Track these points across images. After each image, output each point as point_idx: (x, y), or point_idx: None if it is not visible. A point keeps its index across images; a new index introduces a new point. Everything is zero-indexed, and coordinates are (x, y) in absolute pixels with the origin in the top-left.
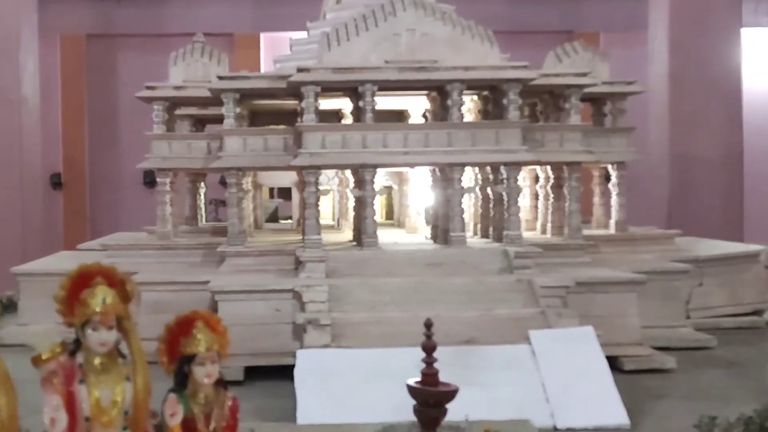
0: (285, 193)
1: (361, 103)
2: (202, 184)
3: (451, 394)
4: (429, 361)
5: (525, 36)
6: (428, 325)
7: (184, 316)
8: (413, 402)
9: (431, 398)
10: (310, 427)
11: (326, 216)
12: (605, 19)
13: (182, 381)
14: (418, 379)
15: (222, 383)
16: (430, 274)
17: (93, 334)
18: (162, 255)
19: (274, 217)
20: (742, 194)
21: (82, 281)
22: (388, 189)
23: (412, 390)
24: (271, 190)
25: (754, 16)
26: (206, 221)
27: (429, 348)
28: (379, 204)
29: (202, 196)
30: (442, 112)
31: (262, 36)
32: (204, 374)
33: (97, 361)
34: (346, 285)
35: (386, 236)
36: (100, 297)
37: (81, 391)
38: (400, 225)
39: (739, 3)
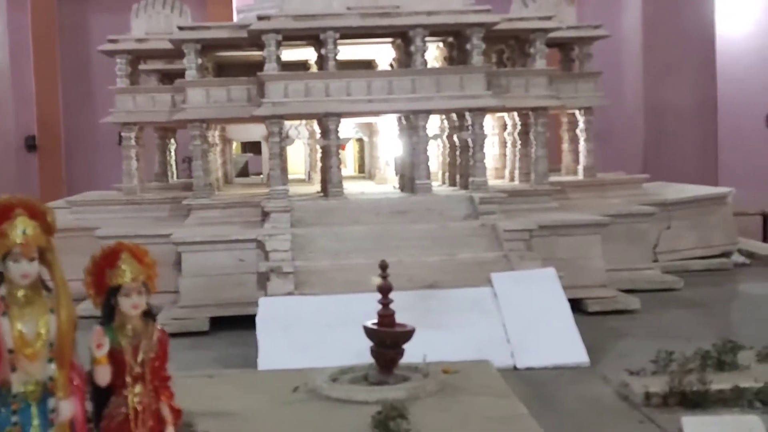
0: (255, 147)
1: (323, 51)
2: (173, 140)
3: (407, 334)
4: (385, 302)
5: None
6: (383, 266)
7: (109, 248)
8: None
9: (387, 339)
10: (270, 372)
11: (297, 171)
12: None
13: (109, 314)
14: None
15: (150, 315)
16: (394, 222)
17: (14, 266)
18: (128, 210)
19: (244, 172)
20: (716, 142)
21: (2, 214)
22: (360, 142)
23: (368, 331)
24: (243, 145)
25: None
26: (177, 179)
27: (384, 289)
28: (351, 157)
29: (173, 153)
30: (406, 59)
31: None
32: (130, 305)
33: (20, 293)
34: (309, 233)
35: (355, 187)
36: (20, 228)
37: (3, 323)
38: (370, 177)
39: None
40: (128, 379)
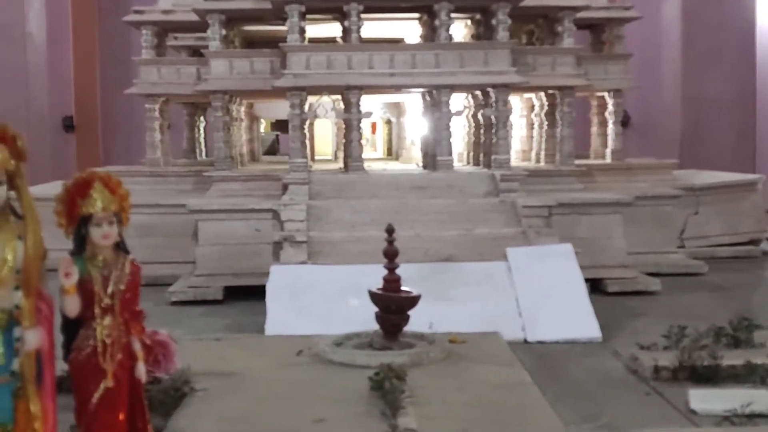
0: (284, 126)
1: (347, 24)
2: (202, 118)
3: (412, 300)
4: (390, 267)
5: None
6: (390, 231)
7: (82, 177)
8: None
9: (392, 304)
10: (275, 337)
11: (325, 152)
12: None
13: (81, 244)
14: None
15: (122, 247)
16: (413, 197)
17: None
18: (153, 182)
19: (272, 150)
20: (755, 134)
21: None
22: (389, 124)
23: (373, 296)
24: (273, 125)
25: None
26: (206, 156)
27: (390, 254)
28: (381, 140)
29: (202, 131)
30: (431, 34)
31: None
32: (101, 235)
33: None
34: (326, 205)
35: (379, 165)
36: None
37: None
38: (397, 157)
39: None
40: (97, 311)
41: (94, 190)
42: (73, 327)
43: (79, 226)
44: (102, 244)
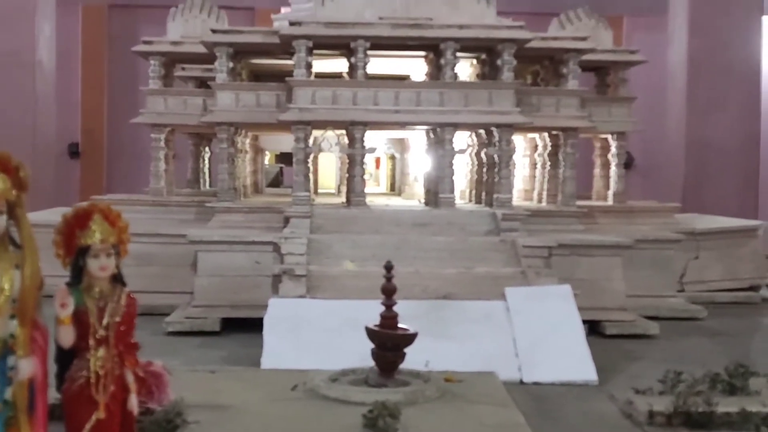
0: (289, 158)
1: (353, 60)
2: (207, 149)
3: (408, 337)
4: (388, 303)
5: (551, 17)
6: (388, 267)
7: (81, 208)
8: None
9: (389, 341)
10: (271, 370)
11: (328, 185)
12: (629, 3)
13: (78, 274)
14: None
15: (119, 279)
16: (414, 233)
17: None
18: (155, 212)
19: (276, 183)
20: (758, 181)
21: None
22: (392, 159)
23: (370, 332)
24: (278, 157)
25: None
26: (210, 186)
27: (388, 291)
28: (384, 175)
29: (206, 161)
30: (436, 72)
31: (283, 10)
32: (98, 266)
33: None
34: (327, 239)
35: (381, 201)
36: None
37: None
38: (400, 193)
39: None
40: (92, 342)
41: (93, 221)
42: (67, 357)
43: (77, 257)
44: (99, 275)
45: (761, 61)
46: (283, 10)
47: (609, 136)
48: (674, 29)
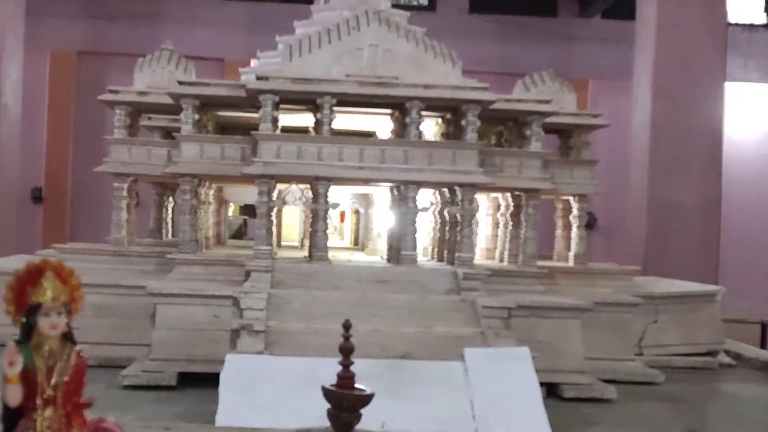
0: (253, 210)
1: (319, 116)
2: (170, 198)
3: (364, 398)
4: (345, 363)
5: (516, 78)
6: (346, 326)
7: (34, 265)
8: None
9: (345, 401)
10: (225, 429)
11: (292, 238)
12: (594, 66)
13: (28, 332)
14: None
15: (69, 337)
16: (375, 290)
17: None
18: (116, 261)
19: (239, 234)
20: (719, 243)
21: None
22: (357, 213)
23: (326, 392)
24: (241, 208)
25: (743, 71)
26: (172, 236)
27: (346, 350)
28: (348, 229)
29: (169, 211)
30: (402, 130)
31: (252, 62)
32: (48, 325)
33: None
34: (287, 294)
35: (344, 256)
36: None
37: None
38: (363, 248)
39: (723, 56)
40: (39, 402)
41: (45, 279)
42: (13, 417)
43: (27, 314)
44: (49, 334)
45: (723, 126)
46: (253, 62)
47: (571, 198)
48: (638, 93)
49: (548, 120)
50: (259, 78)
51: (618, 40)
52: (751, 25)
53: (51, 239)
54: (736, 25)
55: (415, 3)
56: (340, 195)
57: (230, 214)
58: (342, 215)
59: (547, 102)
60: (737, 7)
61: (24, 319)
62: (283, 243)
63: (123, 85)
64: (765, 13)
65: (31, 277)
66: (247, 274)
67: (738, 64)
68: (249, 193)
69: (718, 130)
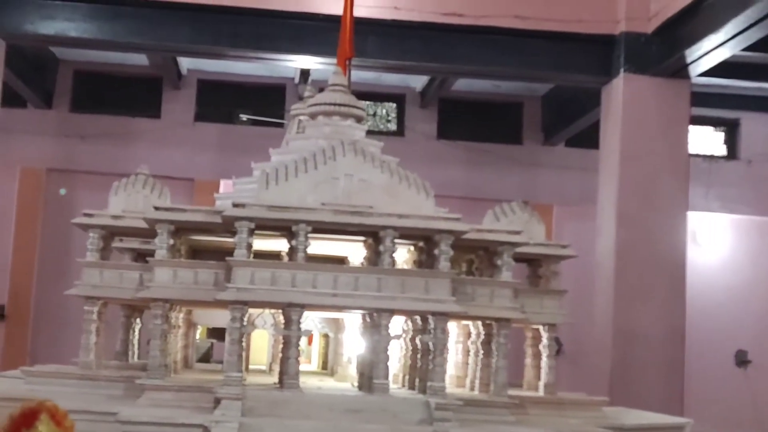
0: (221, 333)
1: (294, 243)
2: (138, 320)
3: None
4: None
5: (483, 202)
6: None
7: (28, 407)
8: None
9: None
10: None
11: (260, 361)
12: (559, 193)
13: None
14: None
15: None
16: (347, 420)
17: None
18: (83, 385)
19: (206, 358)
20: (683, 372)
21: None
22: (326, 337)
23: None
24: (209, 331)
25: (705, 200)
26: (138, 359)
27: None
28: (316, 353)
29: (137, 333)
30: (375, 258)
31: (222, 183)
32: None
33: None
34: (258, 424)
35: (314, 382)
36: None
37: None
38: (333, 373)
39: (686, 186)
40: None
41: (40, 422)
42: None
43: None
44: None
45: (686, 255)
46: (222, 182)
47: (540, 327)
48: (602, 221)
49: (518, 250)
50: (235, 205)
51: (582, 167)
52: (712, 156)
53: (12, 357)
54: (697, 155)
55: (382, 128)
56: (309, 317)
57: (198, 337)
58: (310, 338)
59: (518, 233)
60: (698, 138)
61: None
62: (250, 366)
63: (92, 203)
64: (724, 145)
65: (26, 419)
66: (217, 401)
67: (700, 193)
68: (217, 316)
69: (681, 259)
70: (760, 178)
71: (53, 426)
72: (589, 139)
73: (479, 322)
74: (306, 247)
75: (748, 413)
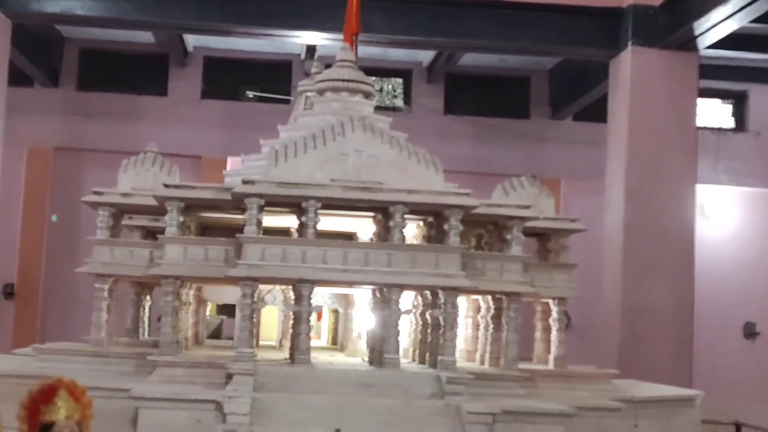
0: (230, 310)
1: (304, 219)
2: (148, 297)
3: None
4: None
5: (490, 177)
6: None
7: (47, 383)
8: None
9: None
10: None
11: (270, 337)
12: (566, 167)
13: None
14: None
15: None
16: (358, 394)
17: None
18: (94, 362)
19: (216, 334)
20: (691, 346)
21: None
22: (335, 313)
23: None
24: (219, 307)
25: (713, 173)
26: (149, 336)
27: None
28: (326, 329)
29: (147, 310)
30: (385, 233)
31: (230, 160)
32: None
33: None
34: (271, 399)
35: (324, 357)
36: None
37: None
38: (342, 349)
39: (694, 159)
40: None
41: (59, 397)
42: None
43: None
44: None
45: (694, 228)
46: (230, 160)
47: (550, 301)
48: (611, 195)
49: (528, 224)
50: (245, 182)
51: (589, 141)
52: (720, 129)
53: (22, 335)
54: (705, 128)
55: (388, 103)
56: (319, 294)
57: (208, 313)
58: (319, 314)
59: (527, 207)
60: (706, 111)
61: None
62: (261, 342)
63: (99, 182)
64: (732, 118)
65: (45, 395)
66: (229, 376)
67: (708, 166)
68: (227, 292)
69: (690, 232)
70: None
71: (72, 402)
72: (597, 112)
73: (489, 297)
74: (316, 223)
75: (756, 384)
